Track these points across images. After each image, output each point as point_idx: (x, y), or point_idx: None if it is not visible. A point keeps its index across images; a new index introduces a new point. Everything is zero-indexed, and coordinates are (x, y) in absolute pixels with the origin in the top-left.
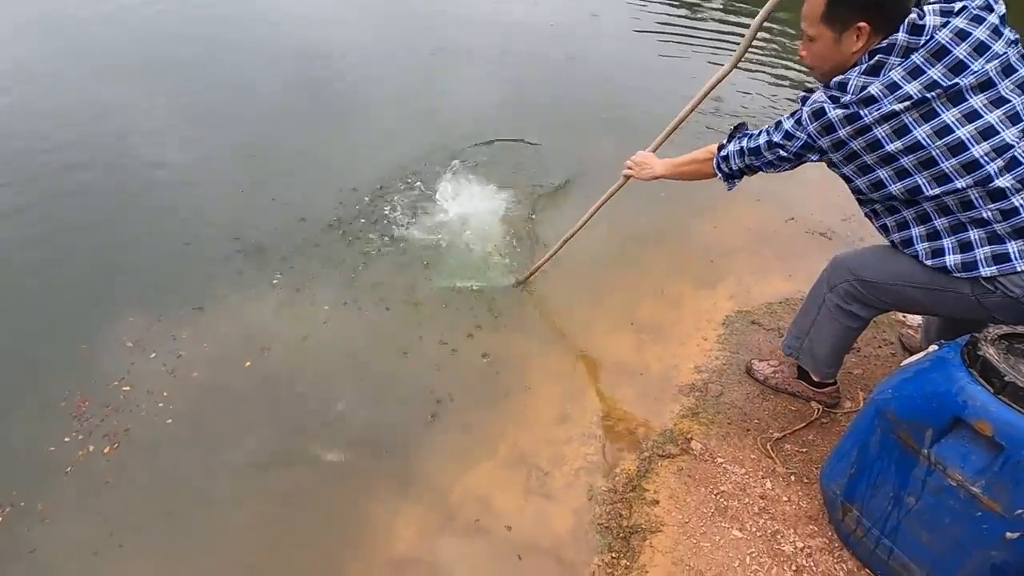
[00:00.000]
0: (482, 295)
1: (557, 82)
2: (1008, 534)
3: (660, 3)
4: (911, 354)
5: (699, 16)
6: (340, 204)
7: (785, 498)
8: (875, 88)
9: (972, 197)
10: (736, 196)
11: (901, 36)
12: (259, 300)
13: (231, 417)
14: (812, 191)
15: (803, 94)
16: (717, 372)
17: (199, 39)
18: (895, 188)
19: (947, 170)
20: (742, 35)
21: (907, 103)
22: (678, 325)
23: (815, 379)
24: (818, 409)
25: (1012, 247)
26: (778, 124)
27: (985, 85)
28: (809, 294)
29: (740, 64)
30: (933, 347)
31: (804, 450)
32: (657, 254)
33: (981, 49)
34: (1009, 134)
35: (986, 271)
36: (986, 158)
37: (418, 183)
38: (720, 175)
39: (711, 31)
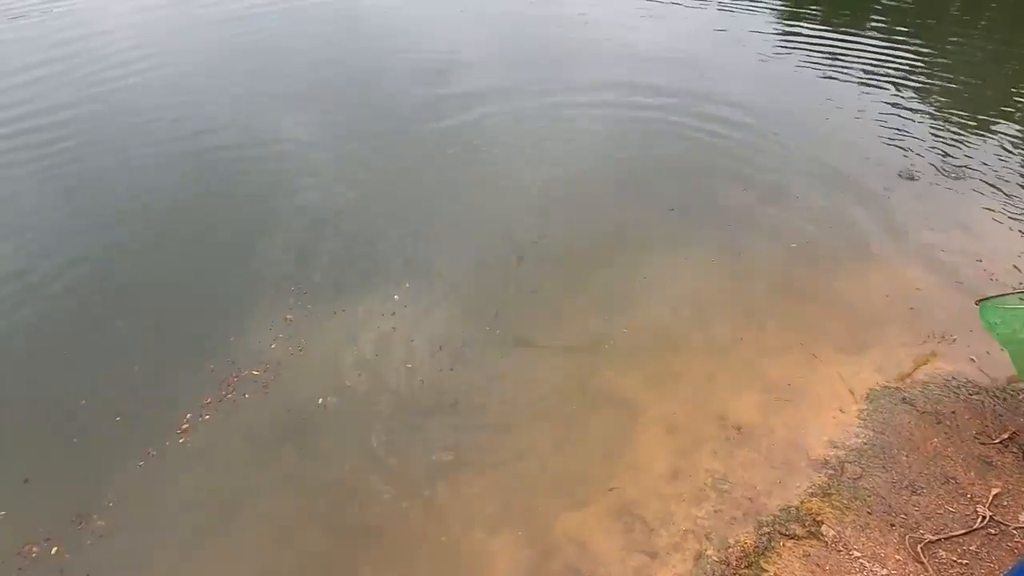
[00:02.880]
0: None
1: None
2: None
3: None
4: None
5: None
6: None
7: None
8: None
9: None
10: (893, 253)
11: None
12: (380, 318)
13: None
14: (989, 245)
15: None
16: (856, 451)
17: (357, 54)
18: None
19: None
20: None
21: None
22: (812, 390)
23: None
24: (985, 518)
25: None
26: None
27: None
28: None
29: None
30: None
31: (964, 561)
32: (796, 309)
33: None
34: None
35: None
36: None
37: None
38: None
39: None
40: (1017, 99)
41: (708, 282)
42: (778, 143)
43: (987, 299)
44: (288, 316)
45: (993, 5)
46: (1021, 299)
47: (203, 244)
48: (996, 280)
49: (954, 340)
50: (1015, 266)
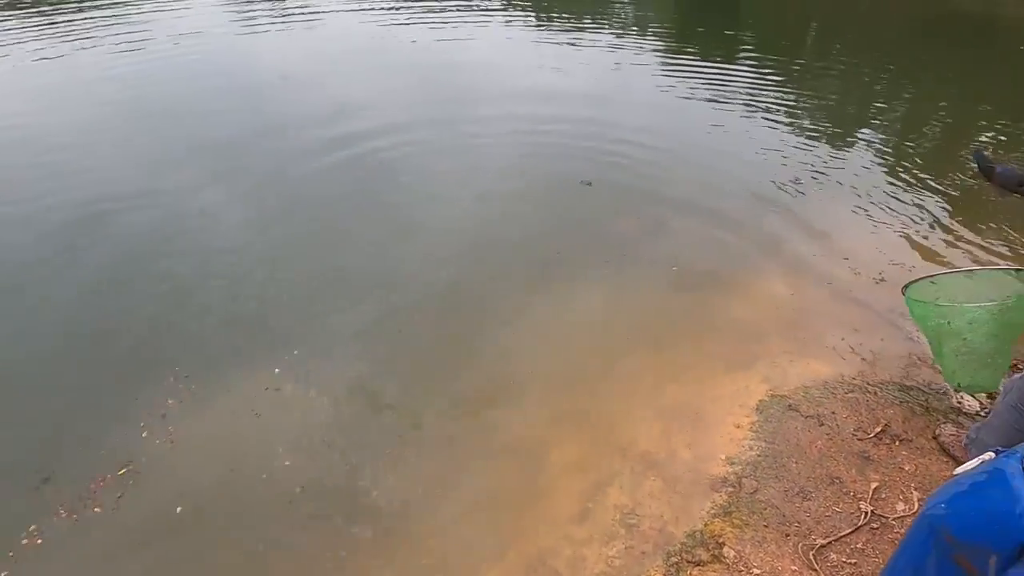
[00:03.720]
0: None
1: None
2: None
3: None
4: (952, 458)
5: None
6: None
7: None
8: None
9: None
10: (772, 265)
11: None
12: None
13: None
14: (853, 244)
15: None
16: (752, 465)
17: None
18: None
19: None
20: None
21: None
22: (707, 410)
23: None
24: (867, 513)
25: None
26: None
27: None
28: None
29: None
30: (988, 454)
31: (852, 561)
32: (683, 333)
33: None
34: None
35: None
36: None
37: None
38: None
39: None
40: (871, 114)
41: (600, 315)
42: (663, 168)
43: (909, 285)
44: (169, 400)
45: (839, 40)
46: (932, 282)
47: (69, 323)
48: (859, 273)
49: (828, 340)
50: (875, 259)
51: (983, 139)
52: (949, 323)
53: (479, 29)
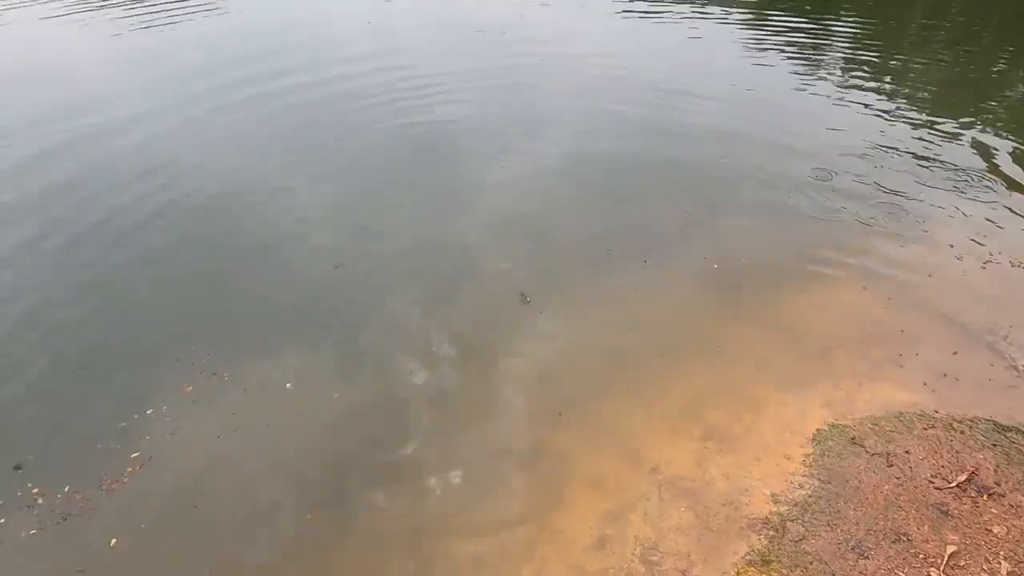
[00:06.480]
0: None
1: None
2: None
3: None
4: None
5: None
6: None
7: None
8: None
9: None
10: (835, 269)
11: None
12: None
13: None
14: (946, 262)
15: None
16: (800, 506)
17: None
18: None
19: None
20: None
21: None
22: (754, 434)
23: None
24: None
25: None
26: None
27: None
28: None
29: None
30: None
31: None
32: (733, 340)
33: None
34: None
35: None
36: None
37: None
38: None
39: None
40: (986, 87)
41: (633, 319)
42: (716, 154)
43: None
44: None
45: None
46: None
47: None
48: (963, 281)
49: (910, 362)
50: (984, 264)
51: None
52: None
53: None
